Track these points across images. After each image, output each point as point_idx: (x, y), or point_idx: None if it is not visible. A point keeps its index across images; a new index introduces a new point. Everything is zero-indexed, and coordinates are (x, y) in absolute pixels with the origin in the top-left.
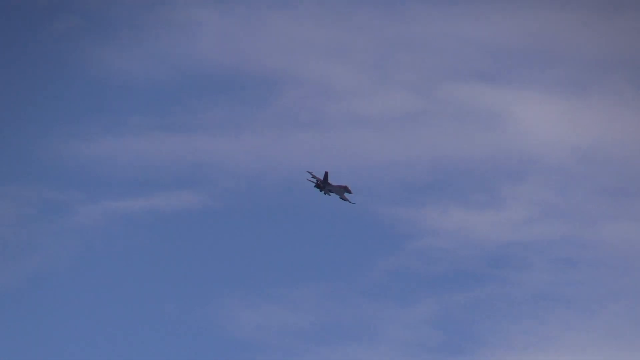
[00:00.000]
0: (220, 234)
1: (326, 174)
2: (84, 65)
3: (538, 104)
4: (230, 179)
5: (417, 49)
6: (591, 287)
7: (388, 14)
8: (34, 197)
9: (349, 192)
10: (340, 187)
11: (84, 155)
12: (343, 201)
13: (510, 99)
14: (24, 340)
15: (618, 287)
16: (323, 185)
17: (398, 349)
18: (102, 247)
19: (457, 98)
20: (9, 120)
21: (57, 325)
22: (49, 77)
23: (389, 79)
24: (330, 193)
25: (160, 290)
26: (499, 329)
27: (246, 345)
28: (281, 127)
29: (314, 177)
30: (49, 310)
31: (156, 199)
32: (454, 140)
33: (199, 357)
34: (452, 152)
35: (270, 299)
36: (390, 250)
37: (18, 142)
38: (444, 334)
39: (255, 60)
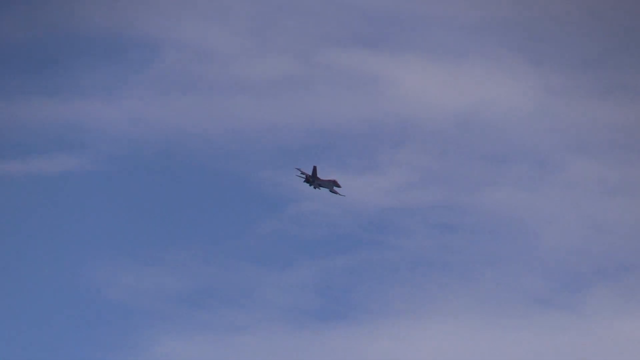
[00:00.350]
0: (99, 197)
1: (314, 168)
2: None
3: (417, 69)
4: (110, 142)
5: (298, 13)
6: (470, 253)
7: None
8: None
9: (338, 185)
10: (329, 181)
11: None
12: (333, 194)
13: (389, 64)
14: None
15: (496, 252)
16: (312, 180)
17: (276, 313)
18: None
19: (337, 63)
20: None
21: None
22: None
23: (269, 43)
24: (320, 187)
25: (37, 254)
26: (377, 294)
27: (123, 309)
28: (161, 91)
29: (303, 173)
30: None
31: (34, 162)
32: (334, 105)
33: (75, 320)
34: (332, 117)
35: (149, 262)
36: (269, 214)
37: None
38: (322, 298)
39: (136, 24)
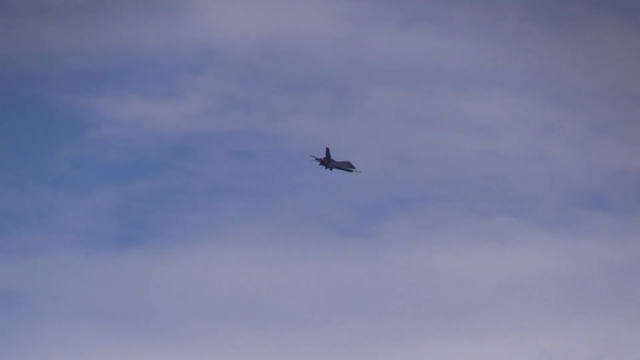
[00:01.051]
0: None
1: (327, 150)
2: None
3: None
4: None
5: None
6: (270, 180)
7: None
8: None
9: (352, 166)
10: (344, 162)
11: None
12: (349, 172)
13: None
14: None
15: (297, 180)
16: (327, 162)
17: (74, 237)
18: None
19: None
20: None
21: None
22: None
23: None
24: (335, 169)
25: None
26: (176, 219)
27: None
28: None
29: (317, 159)
30: None
31: None
32: (136, 30)
33: None
34: (134, 42)
35: None
36: (69, 138)
37: None
38: (121, 223)
39: None
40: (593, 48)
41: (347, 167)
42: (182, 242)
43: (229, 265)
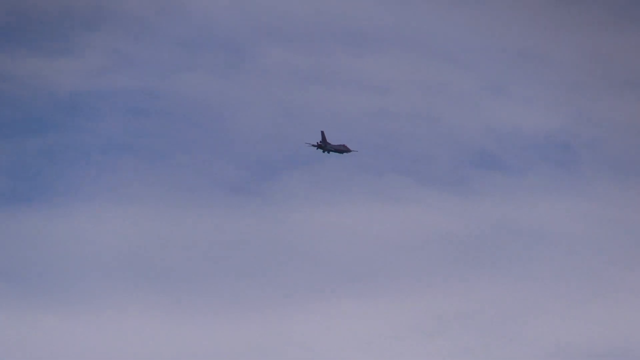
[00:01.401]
0: None
1: (323, 133)
2: None
3: None
4: None
5: None
6: (162, 138)
7: None
8: None
9: (348, 149)
10: (340, 145)
11: None
12: (346, 153)
13: None
14: None
15: (189, 138)
16: (324, 145)
17: None
18: None
19: None
20: None
21: None
22: None
23: None
24: (331, 152)
25: None
26: (69, 177)
27: None
28: None
29: (312, 144)
30: None
31: None
32: None
33: None
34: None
35: None
36: None
37: None
38: (13, 180)
39: None
40: (486, 7)
41: (343, 149)
42: (75, 199)
43: (122, 223)
